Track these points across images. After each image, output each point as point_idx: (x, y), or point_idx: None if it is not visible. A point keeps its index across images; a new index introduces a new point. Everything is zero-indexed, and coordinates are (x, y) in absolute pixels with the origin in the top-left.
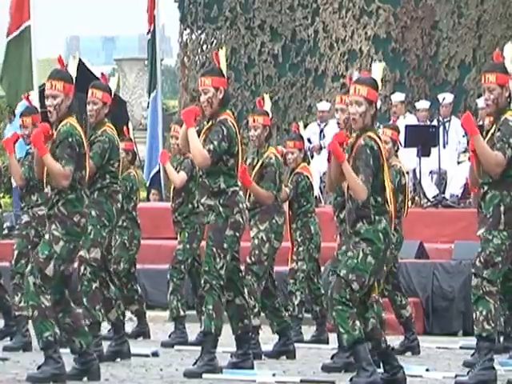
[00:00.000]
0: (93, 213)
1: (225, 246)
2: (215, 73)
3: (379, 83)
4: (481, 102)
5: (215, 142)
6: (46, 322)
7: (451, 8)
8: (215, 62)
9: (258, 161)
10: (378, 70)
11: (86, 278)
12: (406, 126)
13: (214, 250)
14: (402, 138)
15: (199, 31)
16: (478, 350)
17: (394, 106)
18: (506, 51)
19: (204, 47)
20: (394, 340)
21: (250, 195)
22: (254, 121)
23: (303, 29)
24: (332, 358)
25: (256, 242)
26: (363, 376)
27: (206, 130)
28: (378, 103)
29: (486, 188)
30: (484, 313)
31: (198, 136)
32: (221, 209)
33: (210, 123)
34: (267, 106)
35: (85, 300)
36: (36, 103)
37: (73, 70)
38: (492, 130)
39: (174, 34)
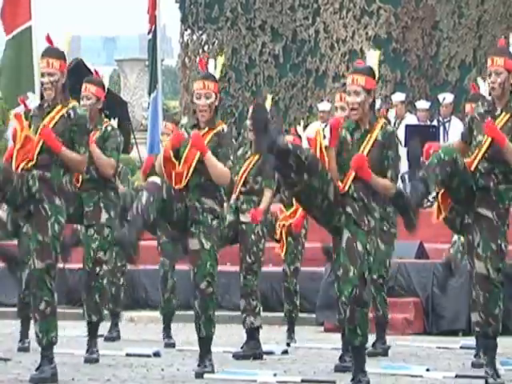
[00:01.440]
0: (112, 213)
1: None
2: (215, 78)
3: (376, 71)
4: None
5: (231, 158)
6: (54, 321)
7: (452, 8)
8: (202, 67)
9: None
10: (373, 57)
11: (101, 276)
12: (407, 126)
13: (215, 255)
14: (402, 137)
15: (200, 32)
16: (488, 348)
17: (395, 106)
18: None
19: (205, 48)
20: (395, 340)
21: (245, 181)
22: None
23: (304, 29)
24: (340, 358)
25: (253, 237)
26: (363, 377)
27: (207, 136)
28: (379, 102)
29: None
30: (500, 313)
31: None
32: (218, 210)
33: (207, 130)
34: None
35: (97, 296)
36: (37, 104)
37: (63, 47)
38: (503, 117)
39: (174, 35)
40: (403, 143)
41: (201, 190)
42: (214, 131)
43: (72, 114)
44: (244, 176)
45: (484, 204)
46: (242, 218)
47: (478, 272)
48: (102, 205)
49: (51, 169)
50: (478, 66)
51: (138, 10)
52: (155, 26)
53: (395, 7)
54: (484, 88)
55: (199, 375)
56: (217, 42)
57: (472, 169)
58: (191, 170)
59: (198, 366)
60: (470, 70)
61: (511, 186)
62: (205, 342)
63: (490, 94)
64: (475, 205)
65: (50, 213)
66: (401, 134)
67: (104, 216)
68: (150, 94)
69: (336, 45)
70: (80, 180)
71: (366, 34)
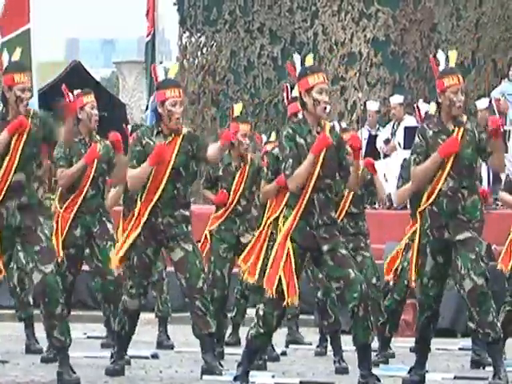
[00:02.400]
0: (111, 220)
1: None
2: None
3: None
4: (480, 104)
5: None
6: (68, 321)
7: (450, 10)
8: (155, 76)
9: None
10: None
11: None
12: (406, 128)
13: (199, 253)
14: (401, 139)
15: (198, 34)
16: (491, 351)
17: (393, 109)
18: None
19: (203, 50)
20: (393, 342)
21: (239, 200)
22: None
23: (302, 31)
24: (339, 360)
25: None
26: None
27: (176, 143)
28: (377, 105)
29: None
30: (496, 318)
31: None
32: (189, 215)
33: (174, 137)
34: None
35: (120, 305)
36: (36, 107)
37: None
38: (457, 132)
39: (173, 37)
40: (402, 145)
41: (175, 202)
42: (181, 136)
43: None
44: (239, 192)
45: (459, 229)
46: (243, 240)
47: (467, 290)
48: (104, 218)
49: (25, 190)
50: (476, 68)
51: (137, 13)
52: (154, 29)
53: (393, 10)
54: (428, 108)
55: (215, 370)
56: (215, 44)
57: (436, 192)
58: (164, 181)
59: (208, 362)
60: (468, 71)
61: (476, 196)
62: (213, 337)
63: (438, 113)
64: (452, 235)
65: (36, 228)
66: (400, 135)
67: (109, 226)
68: (150, 96)
69: (335, 47)
70: (80, 199)
71: (365, 36)
